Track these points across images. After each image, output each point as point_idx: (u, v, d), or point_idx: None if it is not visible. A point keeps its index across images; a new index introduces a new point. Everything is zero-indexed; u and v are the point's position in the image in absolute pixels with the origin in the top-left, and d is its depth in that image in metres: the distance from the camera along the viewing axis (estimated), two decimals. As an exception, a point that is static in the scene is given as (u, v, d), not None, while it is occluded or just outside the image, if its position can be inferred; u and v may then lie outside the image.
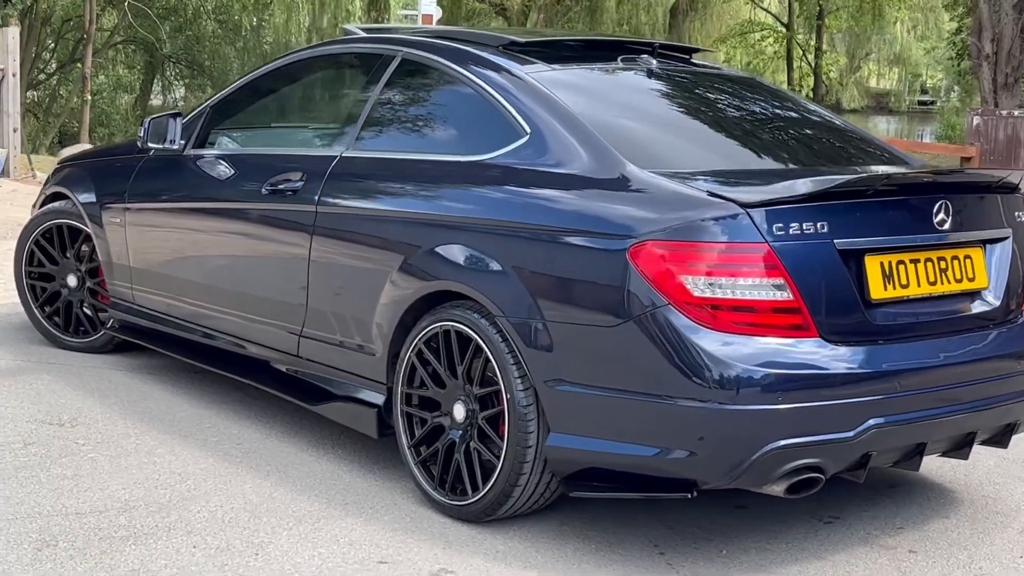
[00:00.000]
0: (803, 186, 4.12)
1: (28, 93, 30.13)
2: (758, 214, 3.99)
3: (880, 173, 4.34)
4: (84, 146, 18.47)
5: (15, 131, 15.52)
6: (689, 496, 4.15)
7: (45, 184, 7.05)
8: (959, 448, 4.50)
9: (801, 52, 36.26)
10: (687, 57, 5.62)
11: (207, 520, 4.53)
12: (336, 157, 5.22)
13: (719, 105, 5.23)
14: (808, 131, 5.20)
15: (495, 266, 4.43)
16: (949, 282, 4.38)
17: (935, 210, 4.32)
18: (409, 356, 4.76)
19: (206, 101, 6.13)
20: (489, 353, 4.44)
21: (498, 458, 4.45)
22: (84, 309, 6.81)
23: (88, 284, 6.75)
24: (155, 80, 37.11)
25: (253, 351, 5.61)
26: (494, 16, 31.36)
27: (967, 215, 4.45)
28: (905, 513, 4.88)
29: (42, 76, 32.96)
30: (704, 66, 5.61)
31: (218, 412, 5.87)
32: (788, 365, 3.98)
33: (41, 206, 6.96)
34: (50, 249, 6.83)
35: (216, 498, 4.76)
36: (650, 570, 4.26)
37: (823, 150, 5.06)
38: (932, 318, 4.34)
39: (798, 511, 4.79)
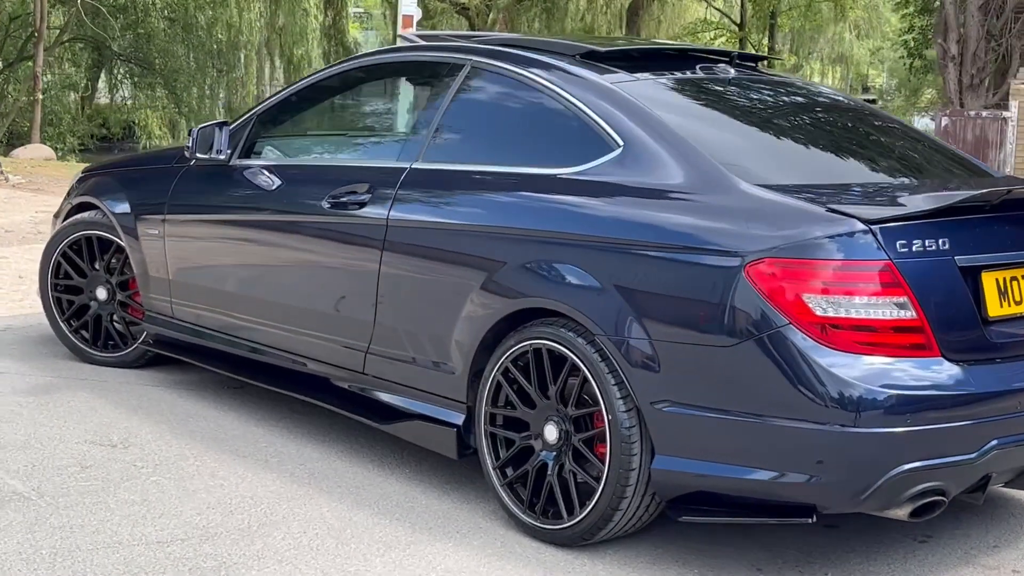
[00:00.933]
0: (925, 202, 4.04)
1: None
2: (881, 231, 3.90)
3: (1000, 188, 4.25)
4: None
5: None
6: (809, 521, 4.04)
7: (69, 194, 6.83)
8: None
9: (754, 51, 36.35)
10: (754, 65, 5.52)
11: (293, 547, 4.38)
12: (406, 169, 5.07)
13: (802, 115, 5.15)
14: (893, 141, 5.12)
15: (594, 283, 4.30)
16: None
17: None
18: (494, 375, 4.63)
19: (251, 109, 5.95)
20: (588, 373, 4.31)
21: (597, 481, 4.33)
22: (114, 323, 6.58)
23: (119, 297, 6.53)
24: (100, 78, 36.62)
25: (312, 368, 5.45)
26: (455, 15, 31.20)
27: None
28: (997, 531, 4.82)
29: (-12, 76, 32.40)
30: (775, 75, 5.51)
31: (269, 430, 5.71)
32: (914, 386, 3.89)
33: (66, 217, 6.73)
34: (78, 261, 6.61)
35: (296, 523, 4.61)
36: (762, 595, 4.16)
37: (915, 162, 4.99)
38: None
39: (890, 530, 4.72)
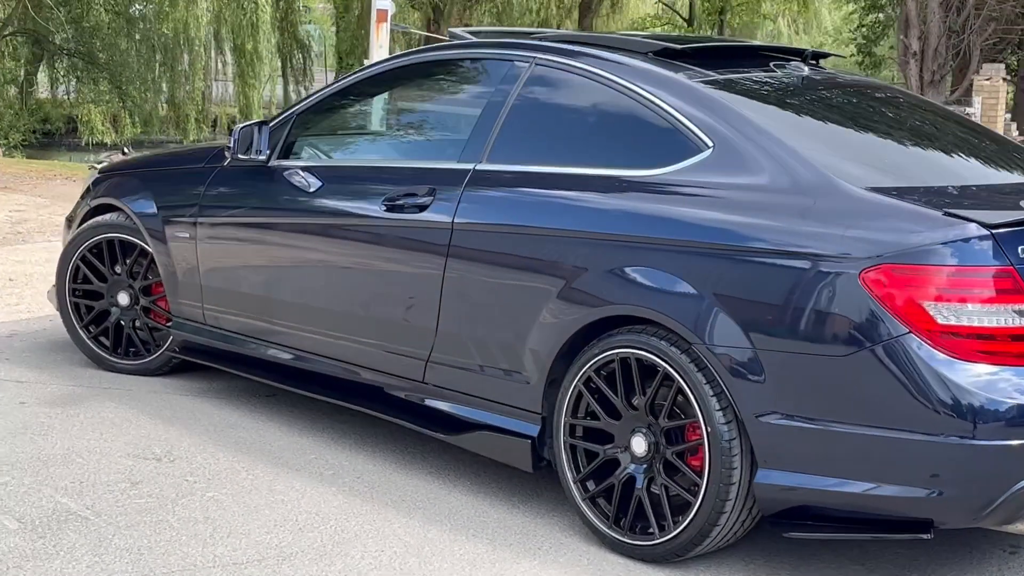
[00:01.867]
0: (1044, 205, 3.91)
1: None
2: (1003, 235, 3.78)
3: None
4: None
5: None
6: (925, 537, 3.91)
7: (85, 195, 6.57)
8: None
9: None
10: (815, 63, 5.38)
11: (375, 567, 4.21)
12: (469, 170, 4.88)
13: (885, 115, 5.03)
14: (981, 142, 5.01)
15: (690, 290, 4.15)
16: None
17: None
18: (575, 384, 4.46)
19: (290, 108, 5.72)
20: (684, 384, 4.16)
21: (694, 495, 4.17)
22: (136, 329, 6.34)
23: (141, 302, 6.29)
24: (39, 72, 35.97)
25: (366, 377, 5.24)
26: (409, 9, 30.89)
27: None
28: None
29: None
30: (845, 73, 5.39)
31: (314, 440, 5.51)
32: None
33: (83, 220, 6.46)
34: (99, 265, 6.36)
35: (371, 541, 4.42)
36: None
37: (1012, 162, 4.86)
38: None
39: (976, 540, 4.61)
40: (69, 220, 6.72)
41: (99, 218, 6.36)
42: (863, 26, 32.84)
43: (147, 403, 5.91)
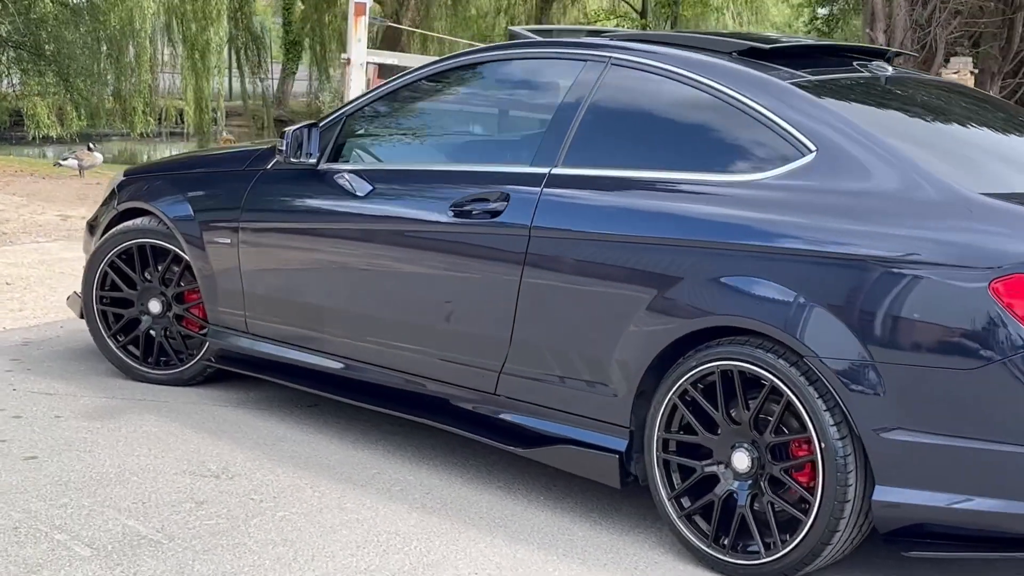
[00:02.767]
0: None
1: None
2: None
3: None
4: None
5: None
6: (1057, 555, 3.79)
7: (110, 199, 6.31)
8: None
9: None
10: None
11: (474, 591, 4.01)
12: (545, 174, 4.71)
13: (979, 118, 4.90)
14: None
15: (800, 300, 4.00)
16: None
17: None
18: (669, 397, 4.30)
19: (340, 109, 5.51)
20: (794, 398, 4.01)
21: (805, 513, 4.03)
22: (168, 338, 6.11)
23: (174, 310, 6.05)
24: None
25: (431, 388, 5.06)
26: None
27: None
28: None
29: None
30: (926, 75, 5.26)
31: (371, 453, 5.33)
32: None
33: (109, 225, 6.21)
34: (129, 271, 6.11)
35: (462, 563, 4.26)
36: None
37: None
38: None
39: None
40: (91, 225, 6.46)
41: (129, 223, 6.11)
42: (817, 19, 32.88)
43: (188, 416, 5.69)
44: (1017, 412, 3.69)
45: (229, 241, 5.67)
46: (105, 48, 32.76)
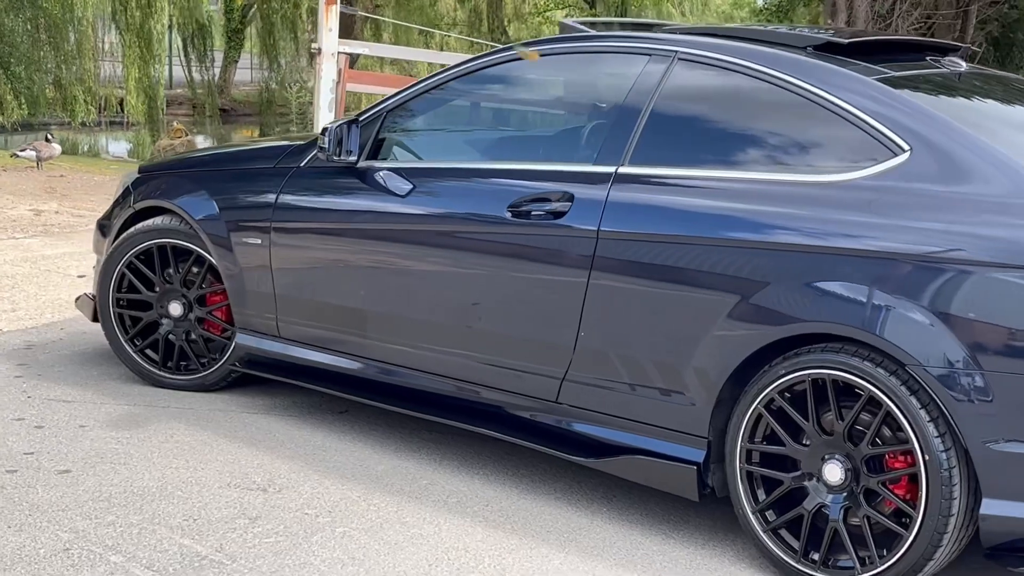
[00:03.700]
0: None
1: None
2: None
3: None
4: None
5: None
6: None
7: (124, 197, 6.04)
8: None
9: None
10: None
11: (562, 613, 3.83)
12: (611, 173, 4.52)
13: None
14: None
15: (902, 307, 3.85)
16: None
17: None
18: (755, 406, 4.13)
19: (380, 104, 5.28)
20: (895, 408, 3.86)
21: (905, 528, 3.87)
22: (190, 342, 5.86)
23: (196, 313, 5.80)
24: None
25: (485, 396, 4.86)
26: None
27: None
28: None
29: None
30: (992, 71, 5.12)
31: (418, 463, 5.13)
32: None
33: (124, 224, 5.94)
34: (149, 273, 5.85)
35: (541, 581, 4.05)
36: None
37: None
38: None
39: None
40: (102, 225, 6.18)
41: (148, 222, 5.84)
42: (767, 9, 32.87)
43: (218, 424, 5.45)
44: None
45: (260, 241, 5.43)
46: (45, 36, 32.11)
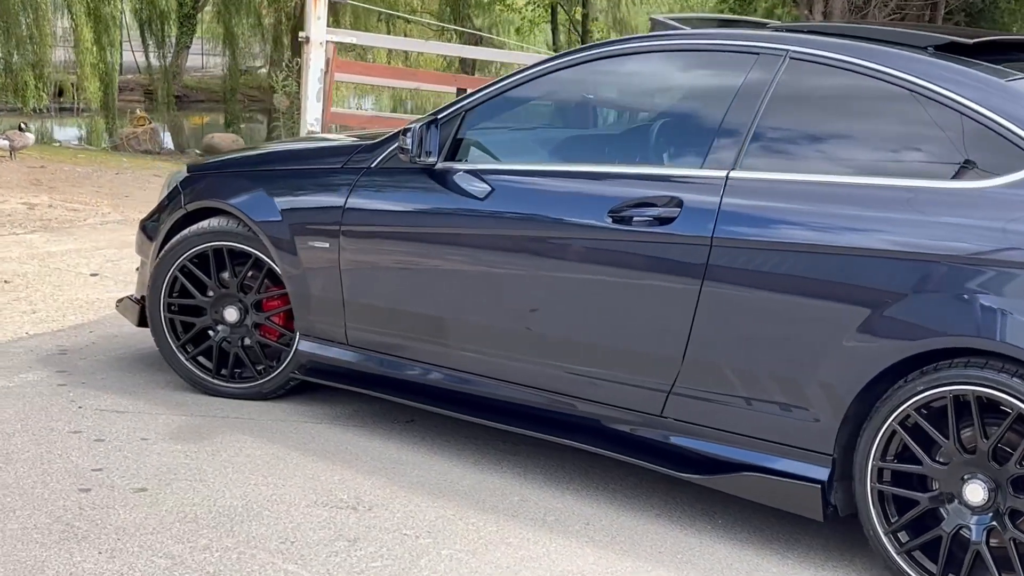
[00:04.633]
0: None
1: None
2: None
3: None
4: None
5: None
6: None
7: (173, 196, 5.77)
8: None
9: (568, 19, 35.88)
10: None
11: (703, 643, 3.64)
12: (723, 178, 4.32)
13: None
14: None
15: (1055, 322, 3.67)
16: None
17: None
18: (889, 423, 3.96)
19: (458, 103, 5.05)
20: (1047, 426, 3.68)
21: (1057, 552, 3.71)
22: (246, 349, 5.61)
23: (253, 319, 5.55)
24: None
25: (583, 408, 4.66)
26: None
27: None
28: None
29: None
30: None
31: (502, 477, 4.92)
32: None
33: (174, 226, 5.68)
34: (203, 277, 5.60)
35: (671, 608, 3.86)
36: None
37: None
38: None
39: None
40: (147, 227, 5.91)
41: (203, 223, 5.59)
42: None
43: (285, 435, 5.22)
44: None
45: (327, 245, 5.19)
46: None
